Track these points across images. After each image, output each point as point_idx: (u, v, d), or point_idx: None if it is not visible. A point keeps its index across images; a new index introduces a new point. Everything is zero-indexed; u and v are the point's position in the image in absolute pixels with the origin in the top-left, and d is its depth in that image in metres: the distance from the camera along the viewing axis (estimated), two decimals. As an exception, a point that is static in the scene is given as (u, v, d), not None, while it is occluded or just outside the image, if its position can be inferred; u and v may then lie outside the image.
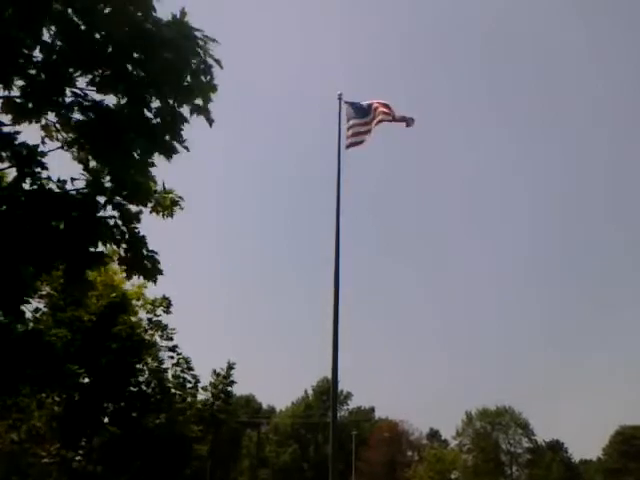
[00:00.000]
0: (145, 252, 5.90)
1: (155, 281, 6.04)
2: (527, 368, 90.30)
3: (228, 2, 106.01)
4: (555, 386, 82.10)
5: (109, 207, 5.68)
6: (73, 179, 5.56)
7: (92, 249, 5.52)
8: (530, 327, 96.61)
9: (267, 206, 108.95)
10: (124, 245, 5.80)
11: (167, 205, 6.71)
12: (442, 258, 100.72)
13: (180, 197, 6.76)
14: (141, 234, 5.91)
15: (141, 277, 5.99)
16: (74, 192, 5.53)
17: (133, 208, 5.91)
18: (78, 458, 16.45)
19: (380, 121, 15.52)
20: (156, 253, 5.96)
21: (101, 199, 5.63)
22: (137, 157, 5.58)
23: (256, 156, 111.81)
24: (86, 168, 5.60)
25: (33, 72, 5.20)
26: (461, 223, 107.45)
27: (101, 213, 5.63)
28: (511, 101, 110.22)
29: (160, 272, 6.00)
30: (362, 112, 15.70)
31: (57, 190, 5.43)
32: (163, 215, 6.70)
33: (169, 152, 5.71)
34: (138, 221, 5.96)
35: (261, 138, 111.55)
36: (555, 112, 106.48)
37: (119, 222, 5.73)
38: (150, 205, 6.40)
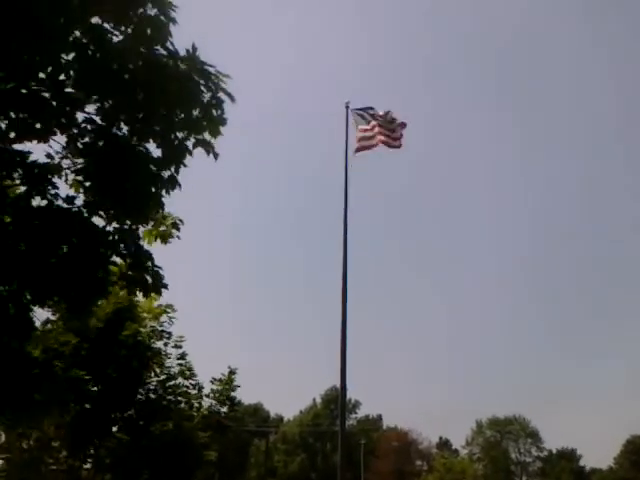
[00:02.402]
0: (150, 266, 5.88)
1: (159, 293, 6.03)
2: (537, 376, 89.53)
3: (231, 11, 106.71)
4: (566, 395, 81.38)
5: (112, 225, 5.72)
6: (73, 197, 5.58)
7: (97, 274, 5.55)
8: (540, 335, 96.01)
9: (274, 212, 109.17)
10: (129, 259, 5.79)
11: (167, 227, 6.69)
12: (452, 267, 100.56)
13: (180, 220, 6.71)
14: (145, 249, 5.93)
15: (141, 294, 6.02)
16: (79, 209, 5.58)
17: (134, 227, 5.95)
18: (86, 466, 16.49)
19: (377, 143, 15.74)
20: (160, 268, 5.94)
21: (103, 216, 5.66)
22: (139, 188, 5.62)
23: (266, 161, 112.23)
24: (88, 190, 5.63)
25: (45, 95, 5.26)
26: (470, 232, 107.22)
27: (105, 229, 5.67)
28: (518, 106, 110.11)
29: (161, 288, 5.98)
30: (369, 117, 15.87)
31: (65, 206, 5.49)
32: (160, 241, 6.64)
33: (171, 186, 5.74)
34: (139, 239, 5.99)
35: (269, 146, 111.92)
36: (560, 118, 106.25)
37: (123, 237, 5.75)
38: (150, 226, 6.39)
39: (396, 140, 15.85)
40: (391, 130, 15.79)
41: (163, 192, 5.68)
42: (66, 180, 5.64)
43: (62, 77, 5.24)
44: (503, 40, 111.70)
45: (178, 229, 6.81)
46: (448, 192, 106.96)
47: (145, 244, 6.34)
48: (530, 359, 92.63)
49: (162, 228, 6.69)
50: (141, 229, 6.19)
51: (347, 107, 16.06)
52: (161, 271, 5.92)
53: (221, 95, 5.53)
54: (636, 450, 68.29)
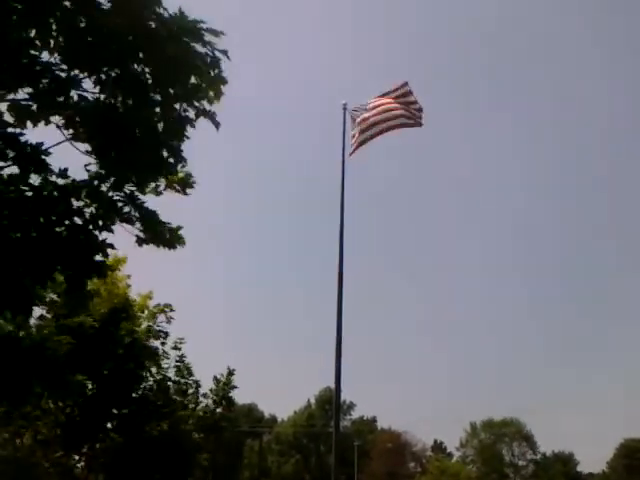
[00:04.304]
0: (159, 224, 5.96)
1: (182, 243, 6.13)
2: (531, 380, 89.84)
3: (230, 9, 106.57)
4: (559, 398, 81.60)
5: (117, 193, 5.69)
6: (66, 169, 5.49)
7: (94, 257, 5.54)
8: (536, 339, 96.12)
9: (270, 215, 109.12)
10: (138, 224, 5.85)
11: (181, 181, 6.54)
12: (445, 269, 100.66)
13: (189, 174, 6.45)
14: (150, 209, 5.91)
15: (165, 248, 6.10)
16: (81, 182, 5.53)
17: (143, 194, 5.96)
18: (80, 465, 16.46)
19: (372, 136, 15.42)
20: (169, 223, 6.04)
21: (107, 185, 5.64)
22: (144, 161, 5.59)
23: (260, 165, 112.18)
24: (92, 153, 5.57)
25: (38, 73, 5.16)
26: (464, 233, 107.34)
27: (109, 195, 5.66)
28: (518, 106, 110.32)
29: (181, 239, 6.11)
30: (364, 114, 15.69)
31: (60, 181, 5.43)
32: (178, 191, 6.49)
33: (175, 159, 5.69)
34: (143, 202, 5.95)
35: (265, 148, 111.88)
36: (562, 118, 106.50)
37: (128, 202, 5.75)
38: (162, 184, 6.31)
39: (410, 119, 15.49)
40: (402, 109, 15.45)
41: (171, 160, 5.66)
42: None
43: (53, 52, 5.18)
44: (505, 40, 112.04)
45: (191, 183, 6.53)
46: (447, 194, 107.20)
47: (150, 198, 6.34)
48: (524, 362, 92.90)
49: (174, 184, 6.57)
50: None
51: (344, 108, 15.98)
52: (170, 225, 6.07)
53: (217, 53, 5.38)
54: (630, 454, 68.39)
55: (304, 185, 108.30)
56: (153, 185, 6.10)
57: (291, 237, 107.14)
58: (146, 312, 16.43)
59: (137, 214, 5.81)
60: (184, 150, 5.75)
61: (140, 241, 6.00)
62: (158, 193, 6.22)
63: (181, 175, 6.36)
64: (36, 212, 5.32)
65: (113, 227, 5.70)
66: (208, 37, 5.33)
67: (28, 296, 5.53)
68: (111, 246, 5.72)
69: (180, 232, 6.14)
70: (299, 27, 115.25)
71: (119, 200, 5.70)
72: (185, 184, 6.46)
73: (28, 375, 8.70)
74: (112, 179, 5.59)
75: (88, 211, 5.58)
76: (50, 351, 11.48)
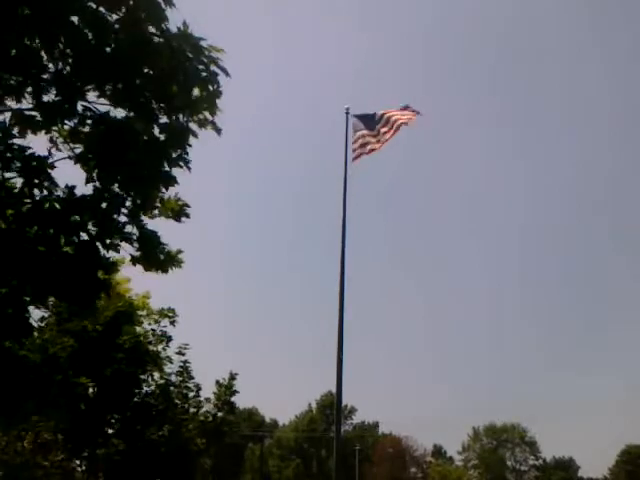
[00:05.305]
0: (157, 246, 5.97)
1: (179, 266, 6.17)
2: (534, 385, 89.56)
3: (232, 10, 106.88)
4: (562, 403, 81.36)
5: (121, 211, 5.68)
6: (73, 186, 5.51)
7: (97, 274, 5.55)
8: (538, 344, 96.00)
9: (272, 218, 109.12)
10: (136, 244, 5.85)
11: (175, 209, 6.61)
12: (446, 273, 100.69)
13: (186, 204, 6.56)
14: (151, 229, 5.94)
15: (159, 271, 6.10)
16: (82, 198, 5.52)
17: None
18: (81, 469, 16.42)
19: (397, 129, 15.56)
20: (167, 245, 6.07)
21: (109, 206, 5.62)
22: (146, 173, 5.62)
23: (261, 168, 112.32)
24: (92, 178, 5.59)
25: (44, 84, 5.23)
26: (464, 237, 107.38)
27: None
28: (518, 107, 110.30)
29: (174, 264, 6.13)
30: (372, 123, 15.75)
31: (64, 196, 5.43)
32: (171, 217, 6.55)
33: (181, 164, 5.72)
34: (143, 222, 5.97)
35: (267, 150, 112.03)
36: (558, 118, 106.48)
37: (128, 220, 5.77)
38: (157, 211, 6.34)
39: (403, 119, 15.64)
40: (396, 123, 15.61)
41: (174, 170, 5.70)
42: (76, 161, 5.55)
43: (60, 64, 5.24)
44: (503, 39, 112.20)
45: (185, 212, 6.60)
46: (448, 194, 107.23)
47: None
48: (524, 363, 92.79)
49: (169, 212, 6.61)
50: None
51: (347, 113, 15.99)
52: (168, 248, 6.11)
53: (215, 69, 5.50)
54: (632, 460, 68.19)
55: (306, 185, 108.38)
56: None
57: (293, 241, 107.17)
58: (146, 311, 16.38)
59: (137, 232, 5.81)
60: (188, 155, 5.78)
61: (134, 260, 6.02)
62: (152, 216, 6.23)
63: (174, 203, 6.43)
64: (41, 226, 5.32)
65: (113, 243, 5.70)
66: (209, 53, 5.43)
67: (26, 320, 5.55)
68: (114, 264, 5.74)
69: (179, 255, 6.13)
70: (300, 28, 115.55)
71: (120, 218, 5.72)
72: (180, 214, 6.48)
73: (20, 393, 8.65)
74: (113, 190, 5.60)
75: (91, 229, 5.60)
76: (52, 349, 11.48)
